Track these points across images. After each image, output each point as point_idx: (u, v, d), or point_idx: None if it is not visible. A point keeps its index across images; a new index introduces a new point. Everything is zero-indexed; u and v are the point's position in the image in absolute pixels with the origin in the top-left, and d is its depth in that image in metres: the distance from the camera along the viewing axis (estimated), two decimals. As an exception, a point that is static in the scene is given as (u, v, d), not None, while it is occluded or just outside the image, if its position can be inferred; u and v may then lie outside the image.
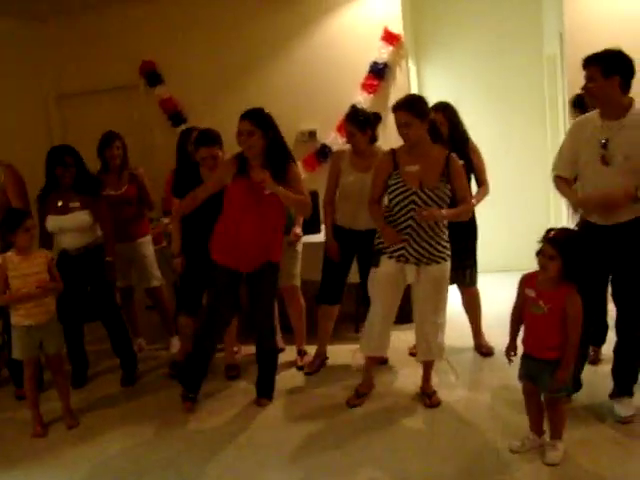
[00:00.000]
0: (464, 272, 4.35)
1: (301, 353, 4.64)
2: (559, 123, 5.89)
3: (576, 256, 2.87)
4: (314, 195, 4.69)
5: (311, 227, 4.94)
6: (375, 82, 5.55)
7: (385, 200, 3.73)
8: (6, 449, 3.73)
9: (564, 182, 3.39)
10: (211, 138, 4.16)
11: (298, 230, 4.58)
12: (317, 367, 4.46)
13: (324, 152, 5.73)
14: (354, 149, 4.20)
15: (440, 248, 3.57)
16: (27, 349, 3.78)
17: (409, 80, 5.71)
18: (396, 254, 3.58)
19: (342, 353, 4.57)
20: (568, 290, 2.91)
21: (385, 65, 5.52)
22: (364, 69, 5.57)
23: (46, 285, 3.75)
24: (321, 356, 4.51)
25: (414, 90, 6.06)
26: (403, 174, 3.52)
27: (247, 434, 3.63)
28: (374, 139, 4.24)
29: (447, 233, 3.62)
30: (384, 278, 3.65)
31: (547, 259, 2.90)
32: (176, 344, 5.05)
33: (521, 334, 3.13)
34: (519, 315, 3.13)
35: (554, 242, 2.89)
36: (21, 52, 6.13)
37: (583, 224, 3.41)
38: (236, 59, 5.91)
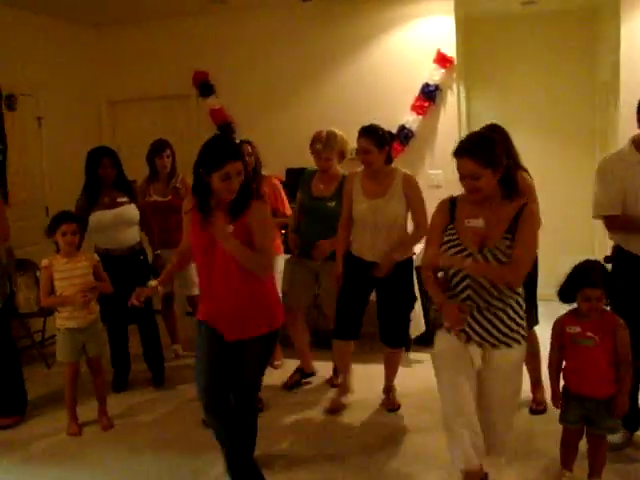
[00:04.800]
0: None
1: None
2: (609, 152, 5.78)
3: (612, 282, 2.91)
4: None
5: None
6: (425, 104, 5.56)
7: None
8: (40, 445, 3.82)
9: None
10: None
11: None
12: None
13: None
14: (367, 170, 3.82)
15: (513, 326, 2.67)
16: (71, 352, 3.85)
17: (459, 103, 5.69)
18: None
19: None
20: (611, 315, 2.93)
21: (436, 87, 5.52)
22: (415, 90, 5.58)
23: (91, 291, 3.80)
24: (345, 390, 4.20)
25: (463, 114, 6.02)
26: (461, 230, 2.69)
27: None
28: (390, 159, 3.87)
29: (524, 305, 2.76)
30: (448, 357, 2.71)
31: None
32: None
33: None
34: (559, 361, 3.03)
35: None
36: (79, 56, 6.31)
37: (619, 253, 3.34)
38: (287, 75, 5.98)
